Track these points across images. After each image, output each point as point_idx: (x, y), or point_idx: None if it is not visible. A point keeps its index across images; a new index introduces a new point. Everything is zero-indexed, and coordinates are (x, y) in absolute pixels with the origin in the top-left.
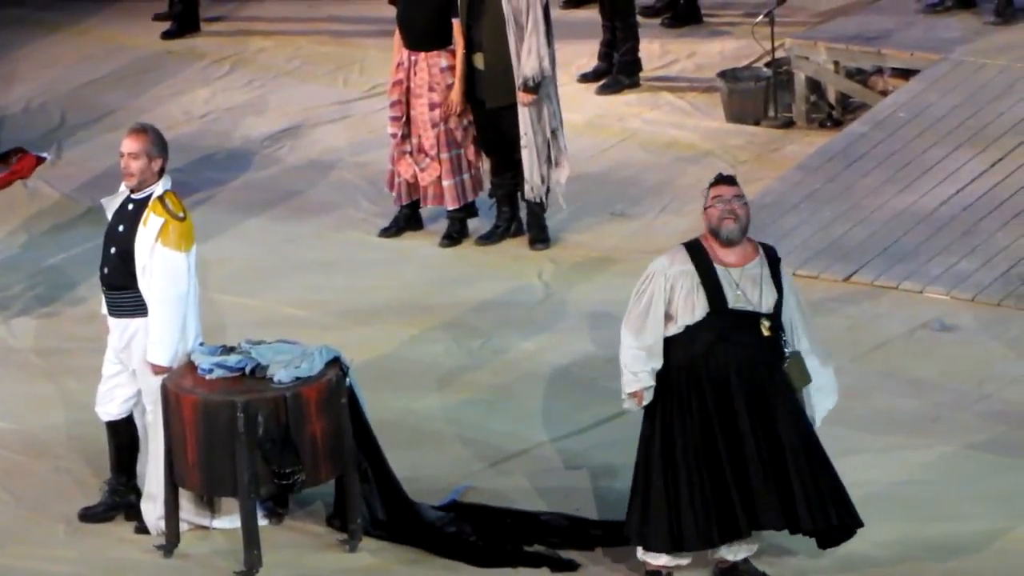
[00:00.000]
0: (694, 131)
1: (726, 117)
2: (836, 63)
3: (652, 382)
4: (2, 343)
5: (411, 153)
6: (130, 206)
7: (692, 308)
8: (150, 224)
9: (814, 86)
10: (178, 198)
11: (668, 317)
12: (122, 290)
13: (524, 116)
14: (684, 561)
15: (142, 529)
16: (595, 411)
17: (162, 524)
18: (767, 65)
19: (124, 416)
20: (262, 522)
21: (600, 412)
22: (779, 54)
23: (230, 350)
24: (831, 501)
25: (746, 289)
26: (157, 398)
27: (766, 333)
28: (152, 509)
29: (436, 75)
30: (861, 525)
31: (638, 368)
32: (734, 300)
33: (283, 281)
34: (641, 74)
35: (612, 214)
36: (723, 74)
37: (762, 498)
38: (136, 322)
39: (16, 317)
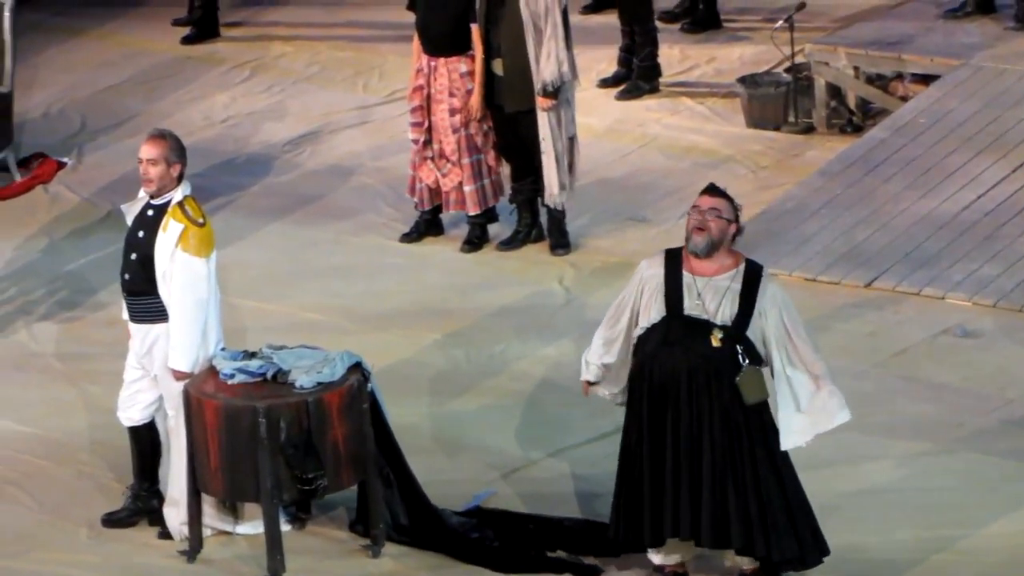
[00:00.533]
0: (714, 136)
1: (746, 123)
2: (856, 68)
3: (597, 376)
4: (24, 348)
5: (432, 159)
6: (150, 212)
7: (651, 310)
8: (170, 230)
9: (834, 91)
10: (198, 204)
11: (639, 318)
12: (143, 296)
13: (543, 121)
14: (678, 557)
15: (165, 534)
16: (616, 416)
17: (185, 529)
18: (787, 70)
19: (146, 421)
20: (285, 527)
21: (621, 417)
22: (799, 59)
23: (251, 355)
24: (760, 528)
25: (706, 299)
26: (178, 403)
27: (715, 344)
28: (175, 515)
29: (456, 80)
30: (800, 562)
31: (591, 359)
32: (690, 307)
33: (304, 286)
34: (660, 79)
35: (632, 219)
36: (743, 79)
37: (687, 511)
38: (157, 328)
39: (38, 322)
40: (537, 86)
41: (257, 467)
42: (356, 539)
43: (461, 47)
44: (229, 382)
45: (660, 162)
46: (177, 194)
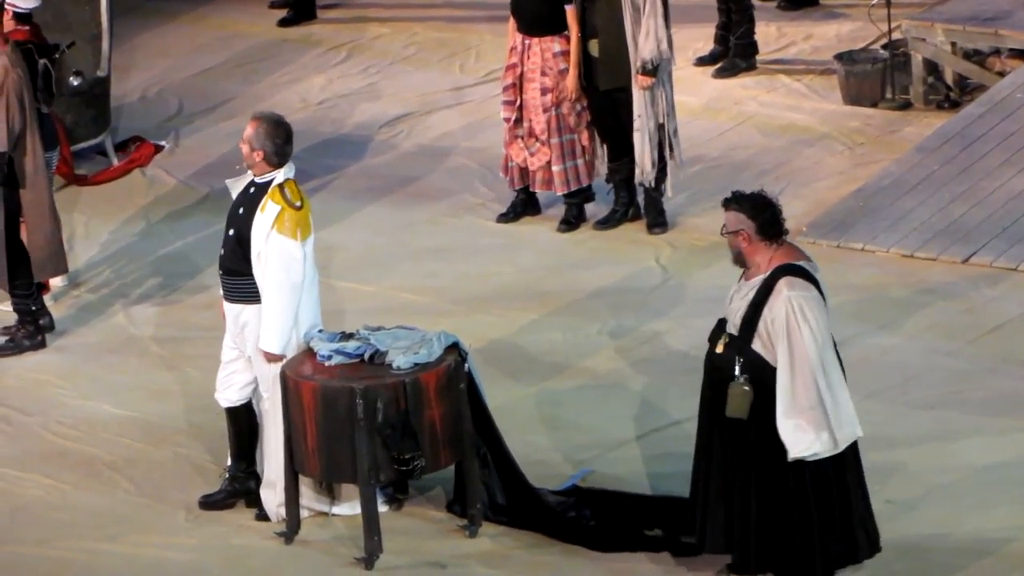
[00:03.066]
0: (811, 114)
1: (843, 99)
2: (953, 44)
3: None
4: (122, 331)
5: (522, 137)
6: (251, 190)
7: None
8: (267, 211)
9: (931, 67)
10: (298, 187)
11: None
12: (237, 275)
13: (638, 100)
14: None
15: (262, 516)
16: None
17: (282, 511)
18: (884, 47)
19: (243, 402)
20: (382, 508)
21: None
22: (896, 36)
23: (349, 336)
24: (742, 539)
25: (733, 303)
26: (272, 385)
27: (719, 350)
28: (272, 496)
29: (549, 60)
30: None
31: None
32: (727, 310)
33: (400, 267)
34: (757, 57)
35: None
36: (840, 56)
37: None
38: (250, 309)
39: (135, 305)
40: (636, 64)
41: (354, 448)
42: (453, 519)
43: (555, 27)
44: (327, 363)
45: (757, 140)
46: (279, 176)
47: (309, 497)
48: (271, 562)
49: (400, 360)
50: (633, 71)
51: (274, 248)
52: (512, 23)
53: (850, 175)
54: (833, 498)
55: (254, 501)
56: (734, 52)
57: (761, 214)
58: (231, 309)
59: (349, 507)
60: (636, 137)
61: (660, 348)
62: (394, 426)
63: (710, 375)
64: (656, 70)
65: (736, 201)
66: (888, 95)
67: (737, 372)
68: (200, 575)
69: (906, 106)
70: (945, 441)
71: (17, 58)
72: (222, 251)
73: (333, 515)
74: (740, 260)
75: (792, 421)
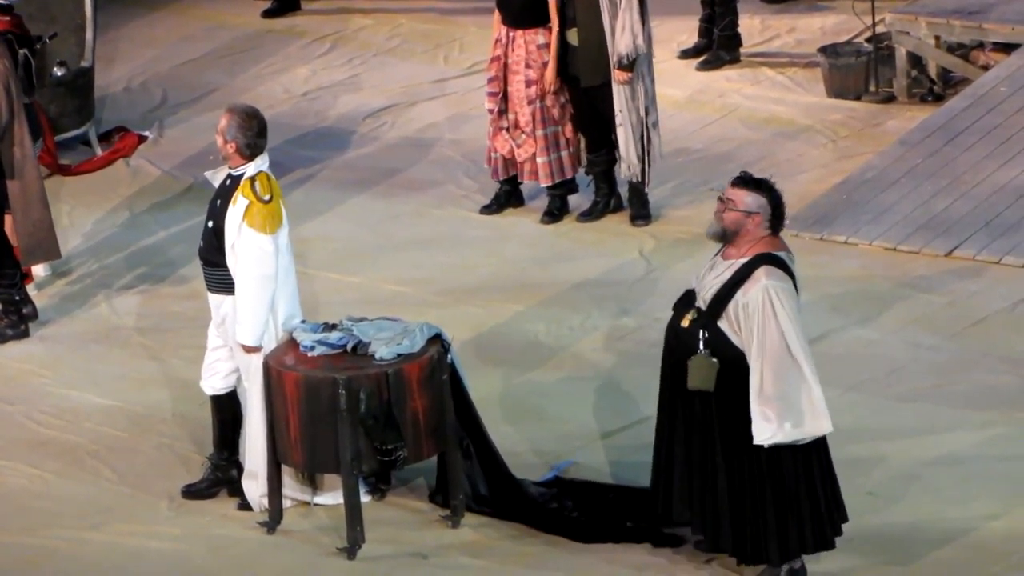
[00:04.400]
0: (794, 106)
1: (827, 92)
2: (937, 37)
3: None
4: (105, 321)
5: (507, 129)
6: (227, 181)
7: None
8: (238, 204)
9: (915, 61)
10: (270, 180)
11: None
12: (215, 266)
13: (619, 94)
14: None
15: (245, 506)
16: None
17: (265, 501)
18: (868, 40)
19: (228, 390)
20: (364, 498)
21: None
22: (880, 29)
23: (332, 327)
24: (704, 515)
25: (706, 280)
26: (252, 376)
27: (685, 324)
28: (254, 487)
29: (533, 52)
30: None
31: None
32: (697, 285)
33: (384, 258)
34: (741, 49)
35: (712, 189)
36: (824, 49)
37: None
38: (228, 299)
39: (118, 295)
40: (613, 59)
41: (337, 438)
42: (436, 510)
43: (539, 19)
44: (309, 354)
45: (741, 132)
46: (250, 168)
47: (291, 487)
48: (254, 551)
49: (383, 351)
50: (612, 66)
51: (245, 241)
52: (497, 15)
53: (833, 168)
54: (795, 486)
55: (236, 490)
56: (718, 44)
57: (779, 205)
58: (213, 299)
59: (331, 497)
60: (619, 132)
61: (643, 340)
62: (376, 417)
63: (672, 347)
64: (632, 65)
65: (757, 184)
66: (872, 88)
67: (701, 346)
68: (183, 564)
69: (889, 99)
70: (927, 434)
71: (3, 49)
72: (202, 242)
73: (315, 505)
74: (726, 237)
75: (758, 408)
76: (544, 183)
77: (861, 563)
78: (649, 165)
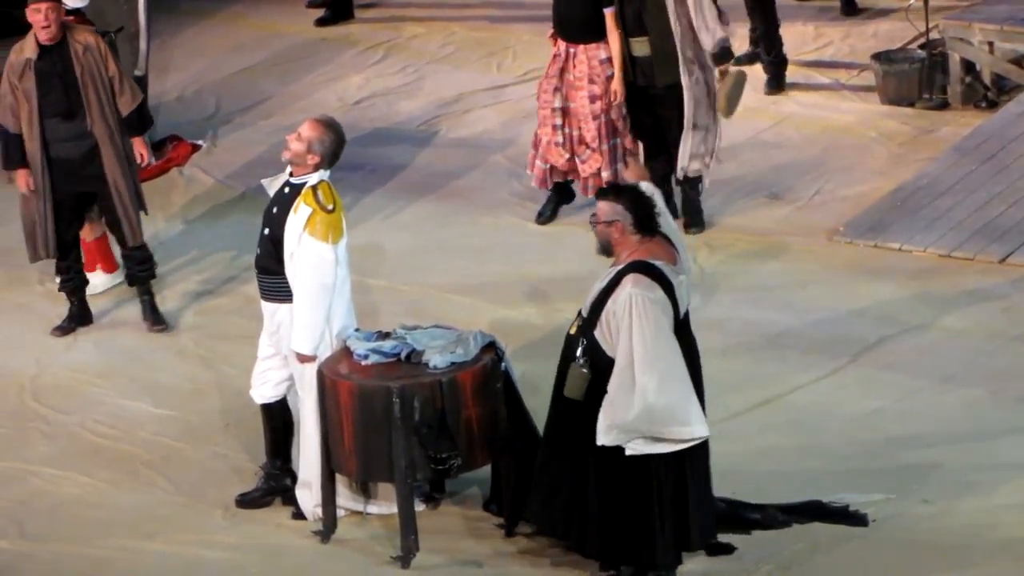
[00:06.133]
0: (848, 114)
1: (880, 99)
2: (991, 44)
3: None
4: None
5: (562, 144)
6: (286, 189)
7: None
8: (300, 212)
9: (969, 67)
10: (332, 190)
11: None
12: (272, 275)
13: (691, 94)
14: None
15: (299, 515)
16: (749, 395)
17: (319, 511)
18: (921, 47)
19: (278, 399)
20: (418, 507)
21: (753, 396)
22: (933, 35)
23: (385, 336)
24: (577, 521)
25: (594, 287)
26: (307, 385)
27: (572, 330)
28: (308, 497)
29: (596, 67)
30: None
31: None
32: (588, 298)
33: (438, 266)
34: (796, 56)
35: (767, 197)
36: (878, 56)
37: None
38: (284, 308)
39: (173, 304)
40: (708, 57)
41: (391, 447)
42: (490, 518)
43: (599, 34)
44: (363, 363)
45: (795, 140)
46: (313, 177)
47: (344, 496)
48: (308, 561)
49: (437, 359)
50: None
51: (305, 250)
52: (554, 32)
53: (887, 175)
54: (655, 491)
55: (291, 499)
56: (768, 72)
57: (640, 208)
58: (267, 308)
59: (385, 506)
60: (685, 135)
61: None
62: (430, 425)
63: (563, 353)
64: (726, 55)
65: (613, 192)
66: (925, 95)
67: (579, 354)
68: (237, 574)
69: (943, 106)
70: (983, 440)
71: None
72: (258, 250)
73: (368, 514)
74: (607, 250)
75: (602, 410)
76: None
77: (916, 571)
78: (709, 166)
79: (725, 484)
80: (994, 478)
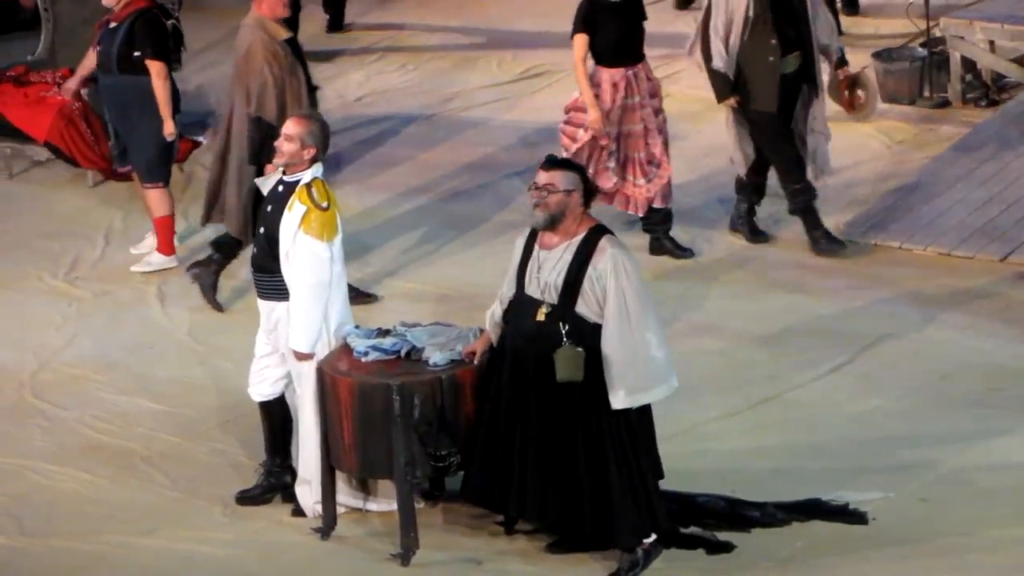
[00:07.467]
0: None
1: (881, 97)
2: (991, 42)
3: (496, 332)
4: (157, 326)
5: (613, 168)
6: (280, 188)
7: (511, 284)
8: (294, 210)
9: (969, 66)
10: (326, 187)
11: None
12: (268, 273)
13: (824, 103)
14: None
15: (298, 512)
16: (748, 394)
17: (318, 508)
18: (922, 45)
19: (276, 396)
20: (418, 504)
21: (752, 396)
22: (934, 34)
23: (385, 333)
24: (557, 505)
25: (543, 273)
26: (305, 382)
27: (540, 318)
28: (308, 493)
29: (655, 81)
30: (591, 541)
31: (489, 315)
32: (530, 283)
33: (438, 263)
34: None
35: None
36: (878, 54)
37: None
38: (281, 306)
39: (171, 300)
40: (832, 61)
41: (391, 444)
42: (490, 516)
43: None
44: (363, 360)
45: None
46: (307, 175)
47: (344, 493)
48: (307, 557)
49: (437, 356)
50: (830, 69)
51: (301, 248)
52: (582, 69)
53: (887, 173)
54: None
55: (290, 495)
56: None
57: (588, 180)
58: (264, 306)
59: (385, 503)
60: (814, 140)
61: (695, 346)
62: (430, 422)
63: (520, 348)
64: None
65: (566, 164)
66: (926, 93)
67: (564, 338)
68: (235, 570)
69: (944, 104)
70: (981, 439)
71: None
72: (253, 249)
73: (368, 511)
74: (551, 223)
75: (612, 376)
76: (661, 205)
77: (914, 570)
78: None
79: (724, 482)
80: (992, 477)
